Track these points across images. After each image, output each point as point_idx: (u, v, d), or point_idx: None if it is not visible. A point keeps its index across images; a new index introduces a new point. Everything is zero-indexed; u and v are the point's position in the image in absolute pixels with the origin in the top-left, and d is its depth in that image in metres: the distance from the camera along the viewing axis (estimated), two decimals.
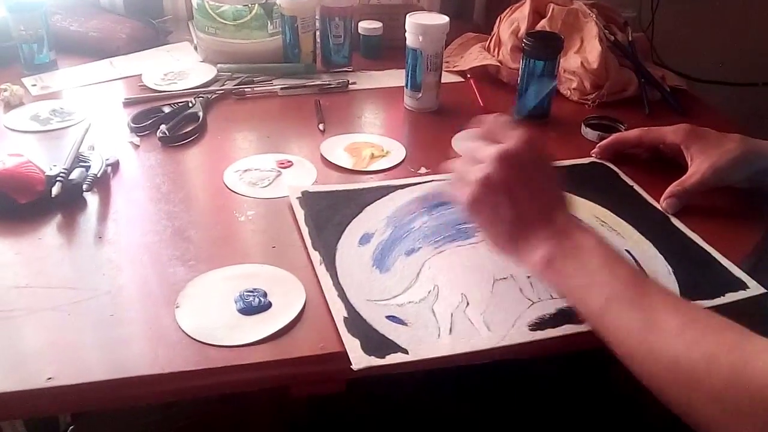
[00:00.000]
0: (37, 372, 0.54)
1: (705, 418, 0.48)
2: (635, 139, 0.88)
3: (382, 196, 0.79)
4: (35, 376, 0.54)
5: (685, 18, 1.58)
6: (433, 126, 1.00)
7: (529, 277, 0.67)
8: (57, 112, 0.96)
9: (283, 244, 0.71)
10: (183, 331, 0.59)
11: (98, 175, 0.78)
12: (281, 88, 1.06)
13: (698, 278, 0.68)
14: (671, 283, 0.67)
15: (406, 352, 0.58)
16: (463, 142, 0.65)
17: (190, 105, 0.98)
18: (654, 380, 0.51)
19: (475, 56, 1.16)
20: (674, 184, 0.80)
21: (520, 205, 0.59)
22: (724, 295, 0.66)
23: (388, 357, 0.57)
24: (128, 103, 1.00)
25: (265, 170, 0.85)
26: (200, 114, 0.96)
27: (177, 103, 0.99)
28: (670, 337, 0.50)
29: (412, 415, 0.81)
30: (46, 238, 0.71)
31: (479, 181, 0.59)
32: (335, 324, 0.60)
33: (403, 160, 0.88)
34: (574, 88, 1.07)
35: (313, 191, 0.79)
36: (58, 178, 0.75)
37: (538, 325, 0.61)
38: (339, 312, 0.61)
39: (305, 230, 0.72)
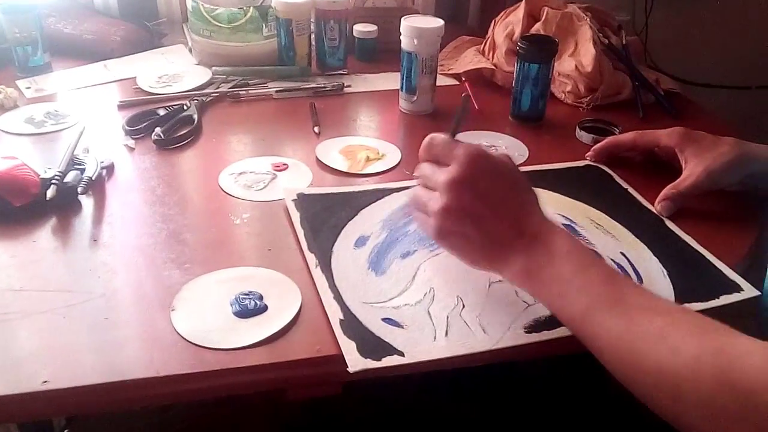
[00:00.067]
0: (32, 375, 0.54)
1: (692, 422, 0.48)
2: (630, 142, 0.89)
3: (378, 199, 0.79)
4: (30, 380, 0.54)
5: (678, 22, 1.59)
6: (428, 129, 0.98)
7: None
8: (51, 115, 0.96)
9: (279, 247, 0.71)
10: (178, 334, 0.59)
11: (93, 178, 0.78)
12: (276, 91, 1.06)
13: (693, 281, 0.68)
14: (666, 285, 0.67)
15: (402, 354, 0.58)
16: (417, 167, 0.64)
17: (185, 108, 0.98)
18: (639, 386, 0.51)
19: (469, 59, 1.16)
20: (668, 187, 0.80)
21: (486, 224, 0.59)
22: (718, 298, 0.66)
23: (384, 359, 0.57)
24: (123, 106, 1.00)
25: (260, 173, 0.85)
26: (195, 117, 0.96)
27: (172, 105, 0.99)
28: (651, 342, 0.50)
29: (408, 418, 0.81)
30: (41, 241, 0.71)
31: (438, 214, 0.59)
32: (331, 327, 0.60)
33: (398, 163, 0.88)
34: (568, 91, 1.07)
35: (309, 194, 0.79)
36: (53, 181, 0.74)
37: (534, 327, 0.61)
38: (335, 314, 0.61)
39: (301, 233, 0.72)
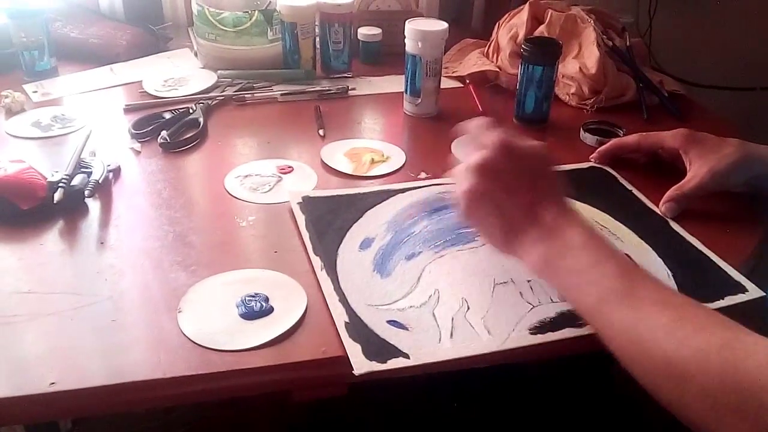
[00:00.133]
0: (39, 377, 0.55)
1: (696, 415, 0.48)
2: (634, 144, 0.89)
3: (383, 201, 0.79)
4: (37, 382, 0.54)
5: (682, 23, 1.59)
6: (432, 131, 1.00)
7: (529, 281, 0.67)
8: (58, 119, 0.97)
9: (284, 249, 0.71)
10: (185, 335, 0.59)
11: (100, 181, 0.78)
12: (281, 94, 1.07)
13: (697, 282, 0.68)
14: (670, 286, 0.67)
15: (407, 356, 0.58)
16: (461, 147, 0.65)
17: (191, 111, 0.99)
18: (646, 377, 0.52)
19: (473, 62, 1.16)
20: (673, 188, 0.80)
21: (506, 210, 0.61)
22: (723, 299, 0.66)
23: (389, 362, 0.57)
24: (129, 110, 1.01)
25: (265, 176, 0.85)
26: (201, 120, 0.96)
27: (177, 109, 0.99)
28: (661, 334, 0.50)
29: (413, 419, 0.81)
30: (48, 243, 0.71)
31: (463, 194, 0.62)
32: (336, 329, 0.60)
33: (403, 165, 0.89)
34: (572, 93, 1.07)
35: (314, 196, 0.79)
36: (60, 184, 0.75)
37: (539, 328, 0.62)
38: (340, 317, 0.61)
39: (306, 235, 0.72)
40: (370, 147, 0.93)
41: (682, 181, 0.80)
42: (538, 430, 0.80)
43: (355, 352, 0.57)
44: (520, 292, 0.66)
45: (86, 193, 0.76)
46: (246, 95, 1.06)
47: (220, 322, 0.61)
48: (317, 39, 1.15)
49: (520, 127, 1.01)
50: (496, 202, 0.61)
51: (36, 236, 0.72)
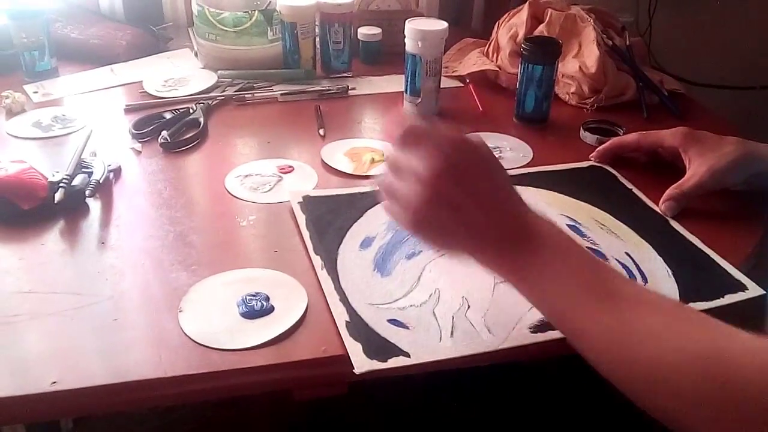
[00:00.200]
0: (40, 377, 0.55)
1: (683, 418, 0.47)
2: (634, 143, 0.89)
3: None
4: (39, 381, 0.54)
5: (682, 22, 1.59)
6: None
7: None
8: (59, 119, 0.97)
9: (285, 249, 0.72)
10: (186, 335, 0.59)
11: (100, 181, 0.78)
12: (281, 94, 1.07)
13: (697, 280, 0.68)
14: (670, 285, 0.67)
15: (407, 355, 0.58)
16: (387, 151, 0.60)
17: (191, 111, 0.99)
18: (627, 382, 0.50)
19: (473, 61, 1.16)
20: (673, 187, 0.80)
21: (467, 215, 0.55)
22: (723, 297, 0.66)
23: (390, 360, 0.57)
24: (129, 110, 1.01)
25: (266, 175, 0.85)
26: (201, 120, 0.97)
27: (178, 109, 1.00)
28: (647, 338, 0.49)
29: (413, 418, 0.81)
30: (49, 243, 0.71)
31: (416, 204, 0.55)
32: (337, 328, 0.60)
33: None
34: (572, 93, 1.07)
35: (314, 196, 0.80)
36: (61, 184, 0.75)
37: (539, 327, 0.62)
38: (341, 316, 0.62)
39: (306, 235, 0.72)
40: (371, 146, 0.93)
41: (682, 180, 0.80)
42: (539, 429, 0.80)
43: (355, 351, 0.58)
44: None
45: (87, 193, 0.76)
46: (246, 95, 1.06)
47: (220, 322, 0.61)
48: (317, 39, 1.15)
49: (521, 126, 1.01)
50: (456, 208, 0.54)
51: (37, 236, 0.72)
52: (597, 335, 0.51)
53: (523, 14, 1.13)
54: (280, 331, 0.60)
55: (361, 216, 0.76)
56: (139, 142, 0.91)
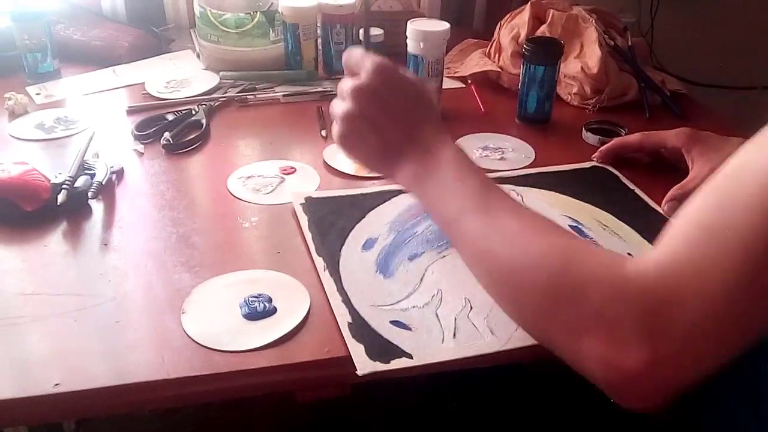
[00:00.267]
0: (43, 378, 0.55)
1: (532, 314, 0.51)
2: (636, 143, 0.89)
3: (385, 201, 0.79)
4: (42, 383, 0.55)
5: (684, 22, 1.58)
6: None
7: None
8: (61, 121, 0.97)
9: (287, 250, 0.72)
10: (188, 336, 0.59)
11: (103, 183, 0.79)
12: (283, 95, 1.07)
13: None
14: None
15: (410, 356, 0.58)
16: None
17: (194, 112, 0.99)
18: (491, 284, 0.55)
19: (475, 62, 1.16)
20: (675, 187, 0.80)
21: (383, 131, 0.62)
22: None
23: (392, 362, 0.57)
24: (132, 111, 1.01)
25: (268, 177, 0.85)
26: (203, 121, 0.97)
27: (180, 110, 1.00)
28: (506, 240, 0.53)
29: (415, 419, 0.81)
30: (52, 245, 0.71)
31: (340, 117, 0.63)
32: (339, 329, 0.60)
33: None
34: (574, 93, 1.07)
35: (316, 197, 0.80)
36: (64, 186, 0.75)
37: None
38: (343, 317, 0.62)
39: (309, 236, 0.72)
40: None
41: (685, 180, 0.80)
42: (542, 430, 0.80)
43: (358, 353, 0.58)
44: None
45: (89, 194, 0.76)
46: (248, 96, 1.06)
47: (223, 323, 0.61)
48: (319, 40, 1.15)
49: (523, 126, 1.01)
50: (374, 123, 0.62)
51: (40, 238, 0.72)
52: (470, 240, 0.56)
53: (524, 15, 1.13)
54: (283, 333, 0.60)
55: (364, 217, 0.76)
56: (142, 143, 0.92)
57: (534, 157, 0.92)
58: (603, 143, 0.93)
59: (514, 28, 1.14)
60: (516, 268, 0.51)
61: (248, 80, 1.11)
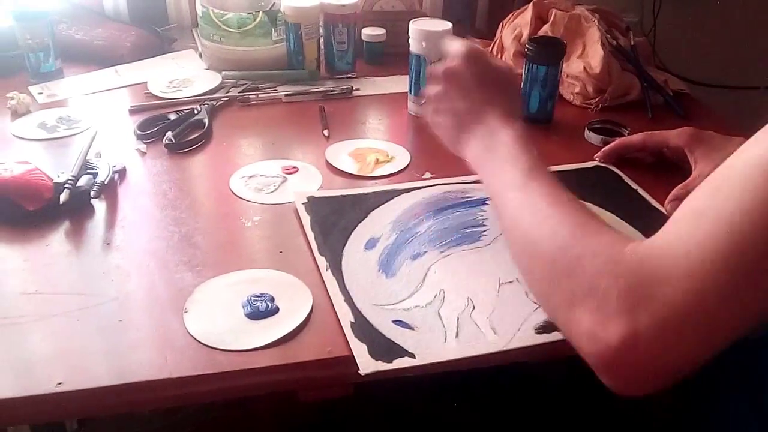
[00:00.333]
0: (46, 377, 0.55)
1: (541, 283, 0.53)
2: (639, 143, 0.89)
3: (387, 201, 0.79)
4: (44, 382, 0.55)
5: (686, 22, 1.58)
6: None
7: None
8: (64, 120, 0.97)
9: (290, 250, 0.72)
10: (191, 335, 0.59)
11: (105, 182, 0.79)
12: (285, 95, 1.07)
13: None
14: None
15: (413, 356, 0.58)
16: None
17: (196, 112, 0.99)
18: (515, 256, 0.58)
19: None
20: (678, 187, 0.80)
21: (461, 112, 0.69)
22: None
23: (395, 362, 0.57)
24: (134, 111, 1.01)
25: (270, 176, 0.85)
26: (206, 121, 0.97)
27: (182, 110, 1.00)
28: (534, 214, 0.56)
29: (418, 419, 0.81)
30: (54, 244, 0.71)
31: (431, 97, 0.72)
32: (342, 328, 0.60)
33: (407, 165, 0.89)
34: (576, 93, 1.07)
35: (319, 196, 0.80)
36: (66, 185, 0.75)
37: (545, 328, 0.62)
38: (346, 317, 0.62)
39: (311, 235, 0.72)
40: (375, 147, 0.93)
41: (688, 180, 0.80)
42: (544, 430, 0.80)
43: (360, 352, 0.58)
44: (526, 292, 0.66)
45: (92, 194, 0.76)
46: (250, 96, 1.06)
47: (225, 323, 0.61)
48: (321, 39, 1.16)
49: (525, 126, 1.01)
50: (453, 104, 0.70)
51: (42, 237, 0.72)
52: (508, 214, 0.59)
53: (527, 14, 1.13)
54: (285, 332, 0.60)
55: (366, 217, 0.76)
56: (144, 143, 0.92)
57: None
58: (605, 143, 0.92)
59: (516, 27, 1.14)
60: (533, 238, 0.54)
61: (250, 80, 1.11)
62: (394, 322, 0.62)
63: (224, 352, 0.58)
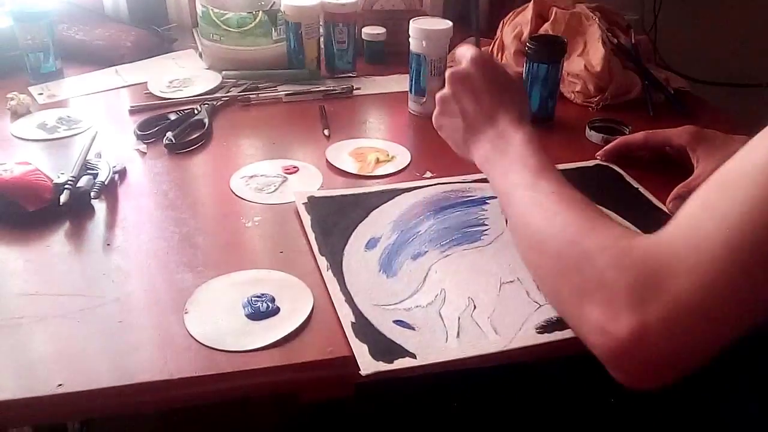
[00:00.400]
0: (46, 379, 0.55)
1: (547, 277, 0.54)
2: (641, 142, 0.88)
3: (388, 200, 0.79)
4: (45, 383, 0.54)
5: (687, 20, 1.58)
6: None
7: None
8: (64, 121, 0.97)
9: (290, 250, 0.71)
10: (192, 336, 0.59)
11: (106, 183, 0.79)
12: (286, 95, 1.07)
13: None
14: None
15: (414, 356, 0.58)
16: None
17: (196, 112, 0.99)
18: (523, 252, 0.59)
19: None
20: (680, 185, 0.80)
21: (469, 115, 0.70)
22: None
23: (396, 362, 0.57)
24: (134, 111, 1.01)
25: (271, 176, 0.85)
26: (206, 121, 0.97)
27: (183, 110, 1.00)
28: (542, 212, 0.56)
29: (420, 419, 0.81)
30: (55, 245, 0.71)
31: (437, 99, 0.74)
32: (343, 329, 0.60)
33: (408, 165, 0.89)
34: (577, 91, 1.07)
35: (319, 196, 0.79)
36: (66, 186, 0.75)
37: (546, 327, 0.61)
38: (346, 317, 0.61)
39: (312, 235, 0.72)
40: (375, 146, 0.93)
41: (690, 179, 0.80)
42: (546, 430, 0.80)
43: (361, 353, 0.57)
44: (527, 291, 0.66)
45: (92, 194, 0.76)
46: (251, 96, 1.06)
47: (226, 323, 0.61)
48: (321, 39, 1.15)
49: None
50: (462, 106, 0.70)
51: (42, 238, 0.72)
52: (515, 211, 0.60)
53: (527, 13, 1.12)
54: (286, 333, 0.60)
55: (367, 216, 0.76)
56: (144, 143, 0.91)
57: None
58: (607, 142, 0.92)
59: (516, 26, 1.13)
60: (541, 234, 0.55)
61: (250, 79, 1.11)
62: (395, 322, 0.61)
63: (225, 353, 0.58)
